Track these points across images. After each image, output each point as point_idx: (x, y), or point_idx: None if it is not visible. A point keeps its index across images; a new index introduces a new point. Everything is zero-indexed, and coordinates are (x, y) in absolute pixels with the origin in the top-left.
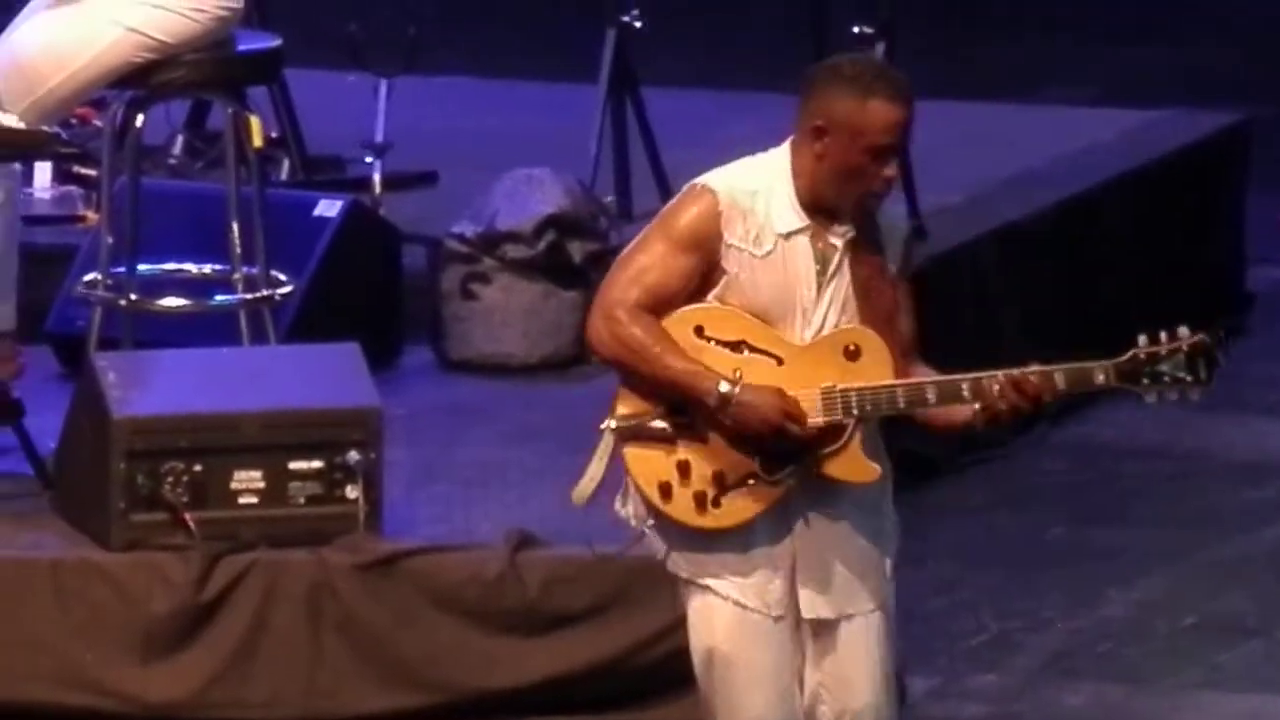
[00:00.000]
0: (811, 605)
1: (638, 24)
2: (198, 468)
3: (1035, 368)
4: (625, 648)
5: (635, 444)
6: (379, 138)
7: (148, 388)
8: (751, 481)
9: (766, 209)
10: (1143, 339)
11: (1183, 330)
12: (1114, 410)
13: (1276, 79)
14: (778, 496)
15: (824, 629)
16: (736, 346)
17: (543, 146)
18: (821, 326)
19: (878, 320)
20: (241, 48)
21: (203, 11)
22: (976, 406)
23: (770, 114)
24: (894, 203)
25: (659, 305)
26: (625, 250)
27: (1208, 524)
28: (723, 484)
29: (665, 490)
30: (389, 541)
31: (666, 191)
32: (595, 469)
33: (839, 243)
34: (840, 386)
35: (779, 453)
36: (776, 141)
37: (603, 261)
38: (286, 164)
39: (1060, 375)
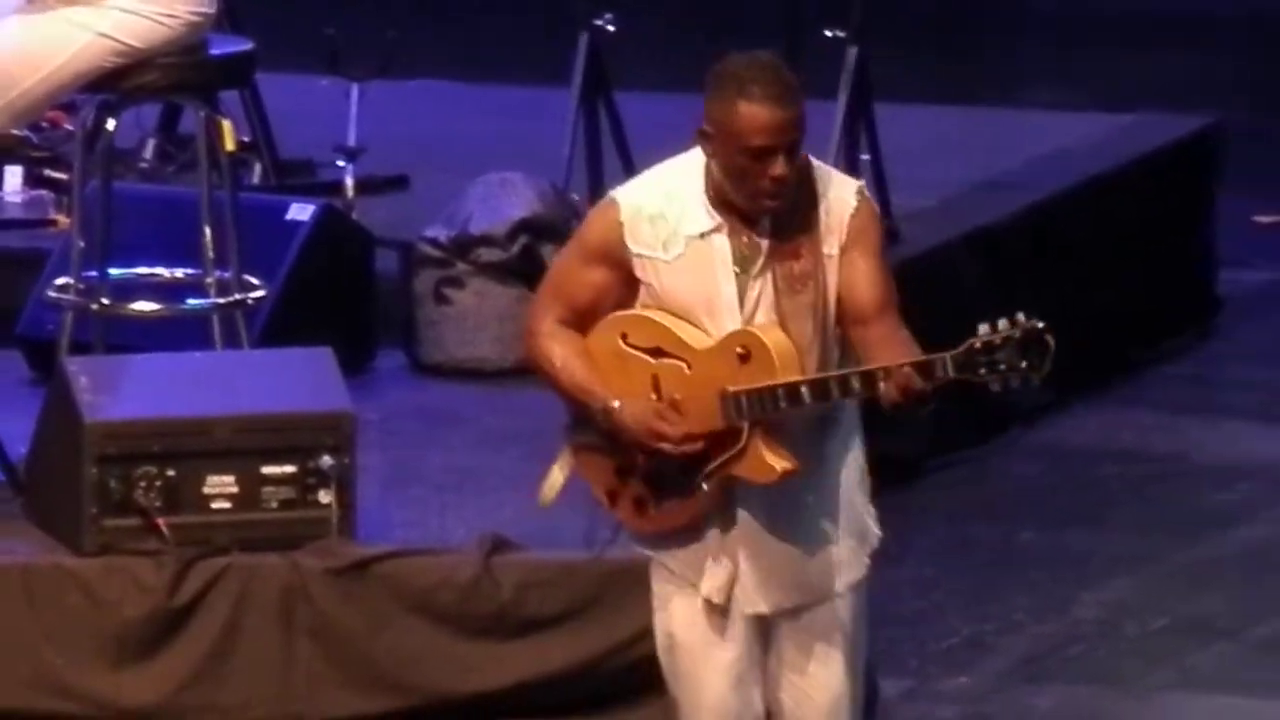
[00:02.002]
0: (752, 600)
1: (610, 28)
2: (170, 472)
3: (887, 363)
4: (599, 651)
5: (584, 451)
6: (351, 142)
7: (120, 392)
8: (674, 486)
9: (679, 213)
10: (982, 328)
11: (1019, 317)
12: (1087, 414)
13: (1247, 83)
14: (704, 500)
15: (785, 617)
16: (654, 353)
17: (516, 150)
18: (751, 323)
19: (799, 316)
20: (213, 52)
21: (174, 17)
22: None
23: None
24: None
25: (578, 318)
26: (549, 268)
27: (1179, 526)
28: (654, 489)
29: (611, 495)
30: (362, 546)
31: None
32: (556, 474)
33: (763, 244)
34: (732, 390)
35: (681, 462)
36: None
37: None
38: (259, 168)
39: (909, 368)
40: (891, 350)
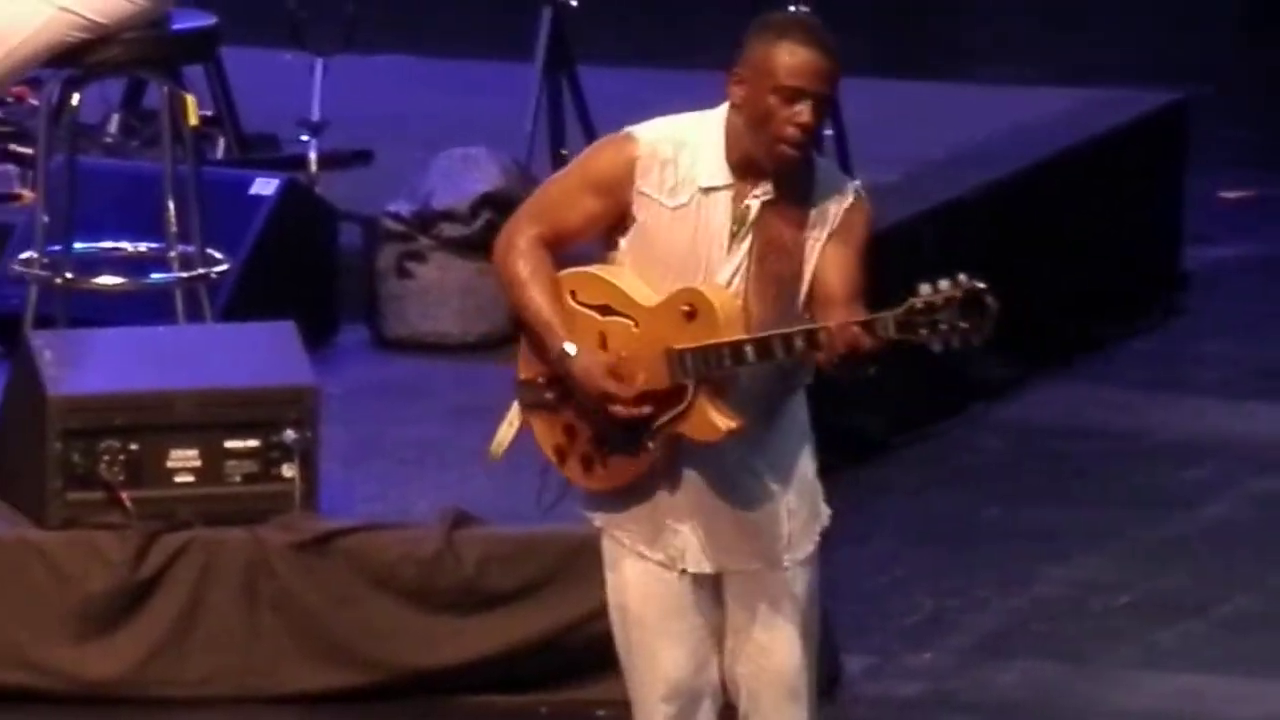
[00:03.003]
0: (697, 560)
1: (573, 2)
2: (134, 446)
3: (830, 323)
4: (563, 625)
5: (533, 408)
6: (315, 116)
7: (84, 366)
8: (620, 444)
9: (692, 162)
10: (924, 288)
11: (960, 277)
12: (1051, 390)
13: (1213, 58)
14: (651, 459)
15: (737, 586)
16: (602, 310)
17: (479, 125)
18: (729, 286)
19: (767, 286)
20: (177, 26)
21: None
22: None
23: (708, 92)
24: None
25: (559, 240)
26: (551, 177)
27: (1144, 503)
28: (601, 447)
29: (559, 453)
30: (325, 520)
31: None
32: (504, 431)
33: (754, 204)
34: (677, 347)
35: (625, 420)
36: None
37: None
38: (222, 142)
39: (857, 327)
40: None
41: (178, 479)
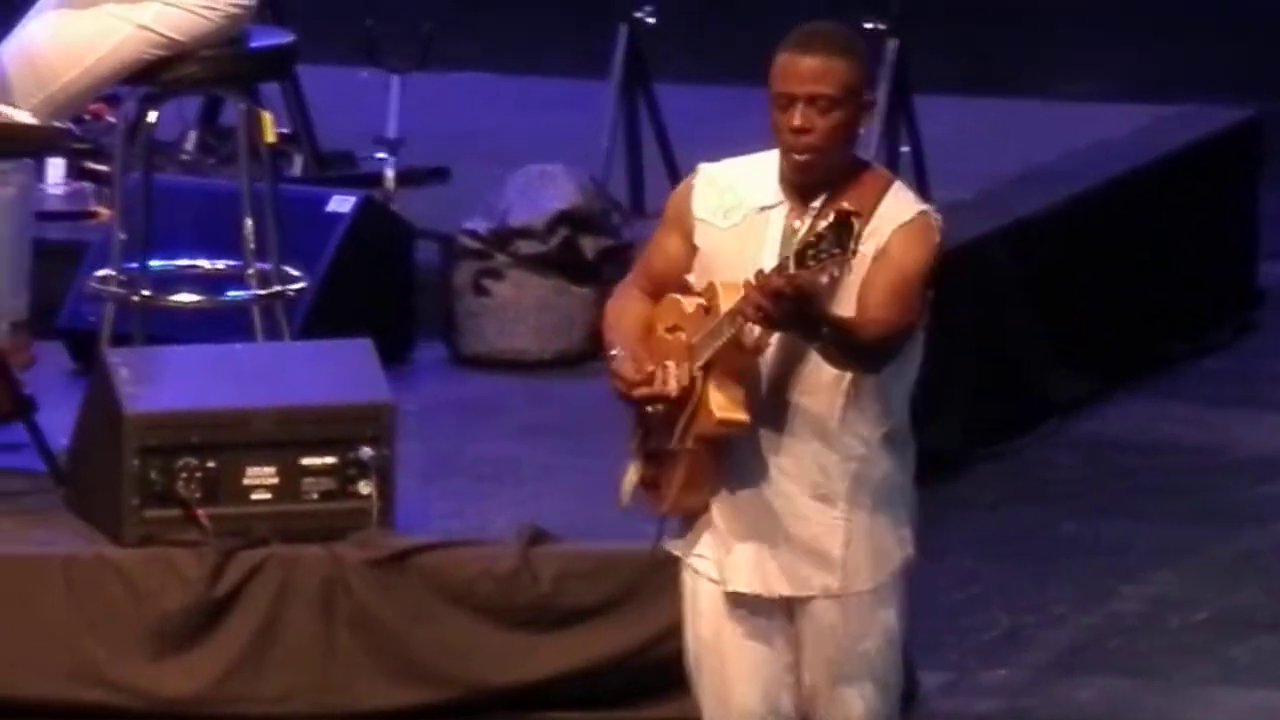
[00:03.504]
0: (749, 580)
1: (650, 20)
2: (211, 464)
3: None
4: (639, 642)
5: (638, 444)
6: (392, 133)
7: (160, 383)
8: (668, 455)
9: (750, 188)
10: (797, 224)
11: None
12: (1126, 406)
13: None
14: (692, 466)
15: (804, 619)
16: (672, 330)
17: (556, 142)
18: None
19: (804, 285)
20: (254, 44)
21: (214, 9)
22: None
23: None
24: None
25: (655, 284)
26: None
27: (1219, 519)
28: (652, 460)
29: (646, 484)
30: (402, 537)
31: None
32: (631, 474)
33: (801, 222)
34: (693, 341)
35: (659, 424)
36: None
37: (615, 257)
38: (299, 160)
39: (774, 271)
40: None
41: (254, 496)
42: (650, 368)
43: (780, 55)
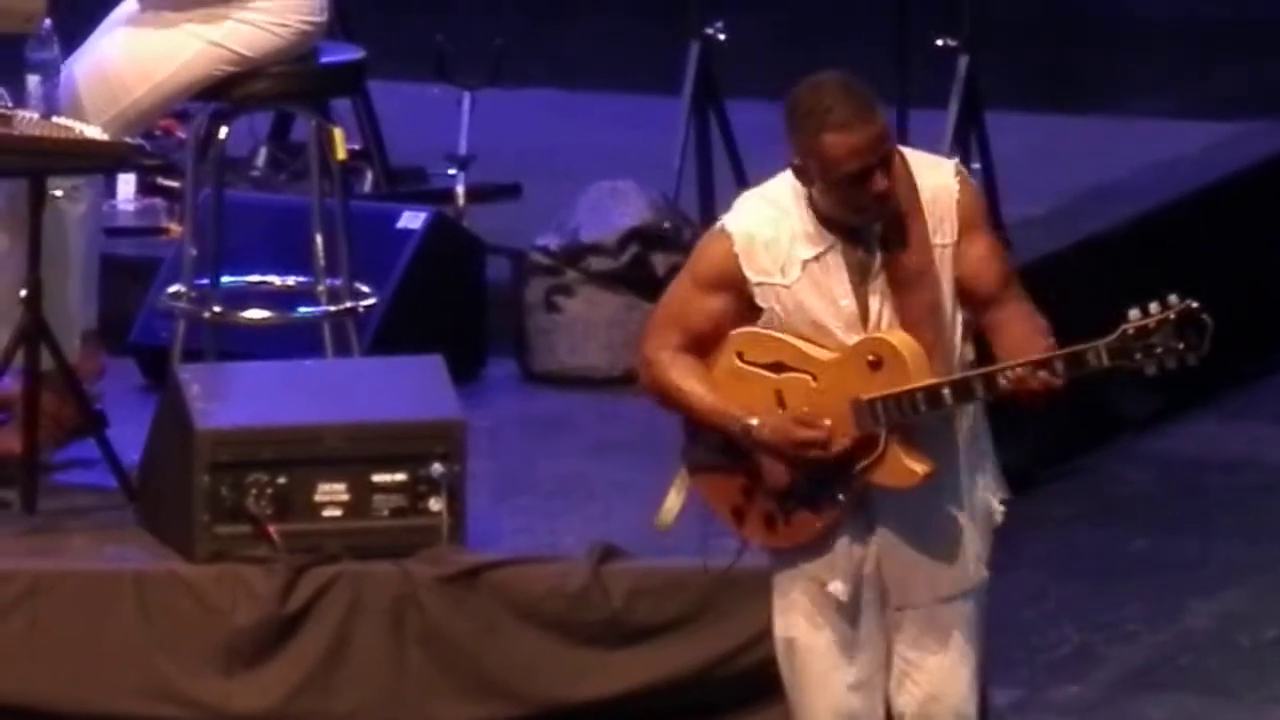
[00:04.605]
0: (891, 596)
1: (721, 36)
2: (281, 480)
3: (1038, 355)
4: (710, 659)
5: (704, 472)
6: (462, 150)
7: (231, 400)
8: (808, 499)
9: (790, 237)
10: (1133, 313)
11: (1171, 299)
12: (1197, 423)
13: None
14: (842, 510)
15: (909, 617)
16: (775, 368)
17: (626, 159)
18: (879, 329)
19: (920, 313)
20: (324, 60)
21: (285, 26)
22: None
23: None
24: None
25: (696, 345)
26: (661, 298)
27: None
28: (784, 503)
29: (737, 514)
30: (472, 554)
31: None
32: (673, 499)
33: (876, 251)
34: (866, 397)
35: (820, 473)
36: None
37: None
38: (370, 176)
39: (1059, 362)
40: (1021, 332)
41: (325, 513)
42: (827, 425)
43: (832, 136)
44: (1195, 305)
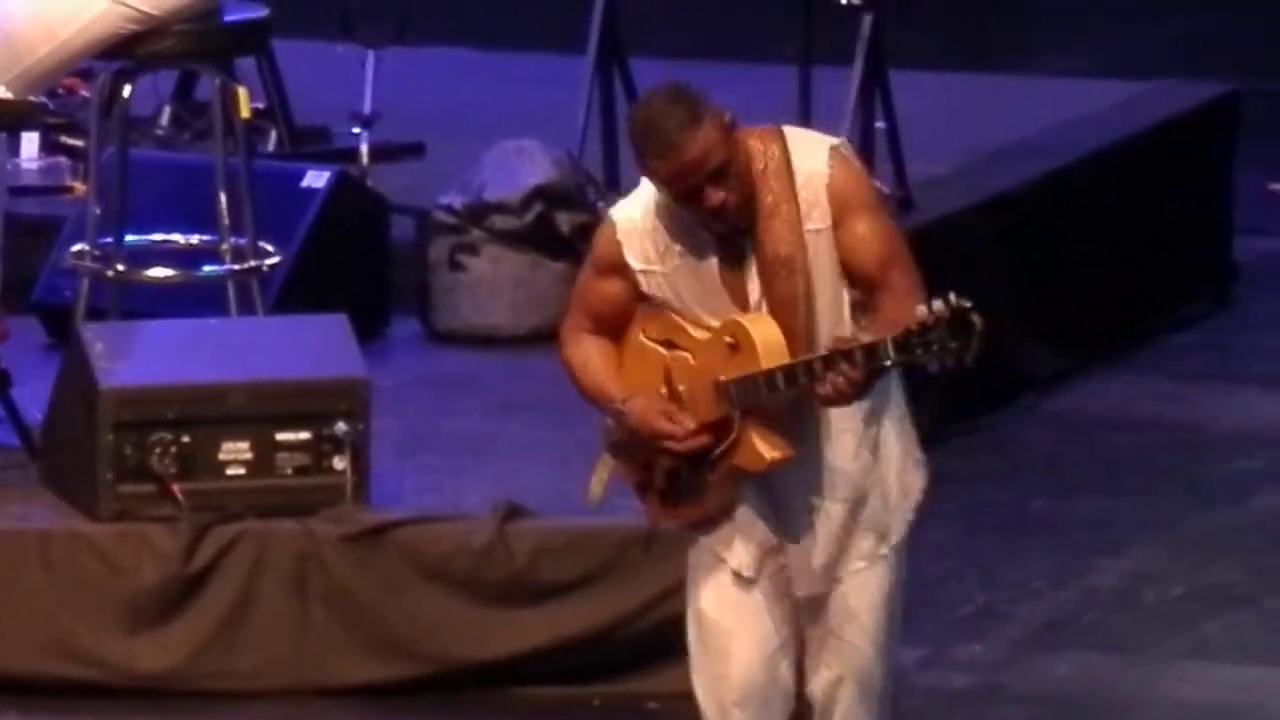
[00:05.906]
0: (797, 583)
1: None
2: (185, 438)
3: (827, 350)
4: (614, 617)
5: (616, 446)
6: (367, 109)
7: (135, 358)
8: (689, 481)
9: (669, 226)
10: (920, 309)
11: (950, 297)
12: (1101, 382)
13: (1266, 50)
14: (716, 492)
15: (815, 597)
16: (667, 345)
17: (531, 118)
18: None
19: (784, 299)
20: (229, 18)
21: None
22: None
23: (758, 85)
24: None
25: (600, 326)
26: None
27: (1196, 494)
28: (672, 484)
29: (641, 491)
30: (376, 512)
31: None
32: (601, 472)
33: (745, 239)
34: (723, 379)
35: (695, 456)
36: (763, 112)
37: (590, 232)
38: (274, 135)
39: (859, 352)
40: (882, 319)
41: (229, 471)
42: (691, 423)
43: (649, 164)
44: (966, 305)
